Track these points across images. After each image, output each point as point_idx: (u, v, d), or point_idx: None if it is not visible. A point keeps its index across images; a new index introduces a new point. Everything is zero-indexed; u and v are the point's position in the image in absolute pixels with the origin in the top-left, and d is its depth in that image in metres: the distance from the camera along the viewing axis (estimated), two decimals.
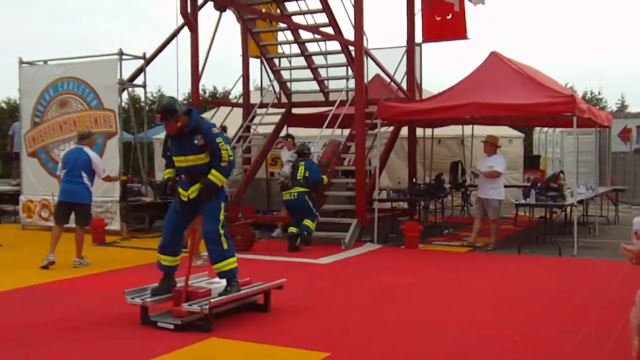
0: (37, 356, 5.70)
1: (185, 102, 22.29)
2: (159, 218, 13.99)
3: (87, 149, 10.26)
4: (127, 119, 14.50)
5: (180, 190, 6.89)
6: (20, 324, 6.69)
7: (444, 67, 43.18)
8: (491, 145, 11.99)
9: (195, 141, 6.69)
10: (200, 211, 6.93)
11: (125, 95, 14.65)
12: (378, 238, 12.17)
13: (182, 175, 6.89)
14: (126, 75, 14.57)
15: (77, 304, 7.61)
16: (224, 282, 6.83)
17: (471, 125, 16.39)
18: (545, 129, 21.89)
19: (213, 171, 6.71)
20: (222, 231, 6.77)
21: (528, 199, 11.62)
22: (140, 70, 14.84)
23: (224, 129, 6.96)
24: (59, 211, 10.38)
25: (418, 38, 14.96)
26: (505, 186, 12.39)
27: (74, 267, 9.84)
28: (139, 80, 15.09)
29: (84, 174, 10.04)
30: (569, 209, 12.78)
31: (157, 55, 15.51)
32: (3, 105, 29.97)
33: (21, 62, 15.34)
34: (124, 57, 14.07)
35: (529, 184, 12.36)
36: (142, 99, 19.90)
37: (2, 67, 42.94)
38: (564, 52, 50.97)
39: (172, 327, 6.31)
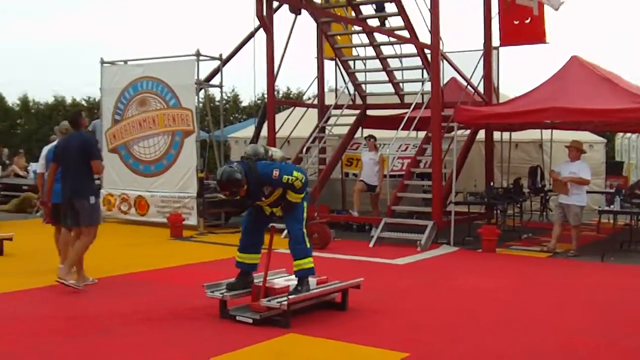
0: (118, 345, 5.80)
1: (259, 102, 22.53)
2: (235, 214, 14.13)
3: None
4: (203, 117, 14.72)
5: (264, 206, 6.89)
6: (102, 313, 6.83)
7: (522, 71, 42.18)
8: (576, 151, 11.61)
9: (265, 192, 6.66)
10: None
11: (201, 94, 14.84)
12: (454, 241, 11.99)
13: None
14: (203, 76, 14.79)
15: (156, 296, 7.73)
16: None
17: (550, 130, 15.98)
18: (629, 134, 21.15)
19: (291, 193, 6.68)
20: (305, 230, 6.78)
21: (612, 206, 11.21)
22: (217, 70, 15.04)
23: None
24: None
25: (495, 41, 14.68)
26: (587, 192, 12.00)
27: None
28: (215, 81, 15.32)
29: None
30: None
31: (233, 57, 15.69)
32: (83, 103, 30.87)
33: (102, 62, 15.73)
34: (201, 57, 14.31)
35: (612, 191, 11.93)
36: (218, 99, 20.17)
37: (83, 67, 44.18)
38: None
39: (250, 321, 6.33)
